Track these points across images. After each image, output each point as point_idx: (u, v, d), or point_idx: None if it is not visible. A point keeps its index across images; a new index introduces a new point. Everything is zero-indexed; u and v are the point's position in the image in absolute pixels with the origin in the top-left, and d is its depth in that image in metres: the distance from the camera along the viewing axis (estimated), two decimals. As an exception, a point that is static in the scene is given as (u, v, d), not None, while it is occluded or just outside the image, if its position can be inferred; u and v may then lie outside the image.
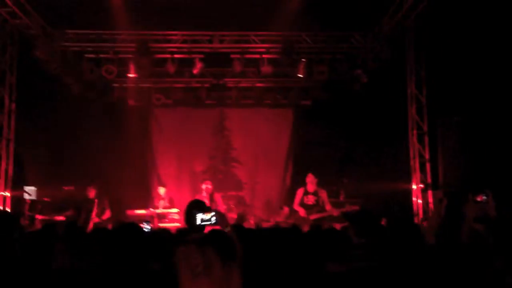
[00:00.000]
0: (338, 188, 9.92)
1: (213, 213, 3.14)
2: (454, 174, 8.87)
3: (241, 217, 9.14)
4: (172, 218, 9.30)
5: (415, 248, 2.12)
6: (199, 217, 3.14)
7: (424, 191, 9.42)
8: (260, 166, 11.73)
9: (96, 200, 8.81)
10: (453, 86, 8.53)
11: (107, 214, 8.89)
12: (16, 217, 3.24)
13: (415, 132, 9.60)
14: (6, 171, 9.23)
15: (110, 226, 8.30)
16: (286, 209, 9.66)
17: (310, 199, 8.19)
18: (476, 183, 8.05)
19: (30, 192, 9.13)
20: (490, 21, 7.31)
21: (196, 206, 3.91)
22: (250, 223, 9.54)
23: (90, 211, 8.69)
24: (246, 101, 11.67)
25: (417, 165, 9.53)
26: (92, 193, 8.88)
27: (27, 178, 9.47)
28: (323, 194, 8.24)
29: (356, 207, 8.43)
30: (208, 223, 3.12)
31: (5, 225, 2.89)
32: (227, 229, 3.10)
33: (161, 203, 9.52)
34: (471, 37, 7.84)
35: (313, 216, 8.04)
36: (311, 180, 8.31)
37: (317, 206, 8.15)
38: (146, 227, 5.09)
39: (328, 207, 8.17)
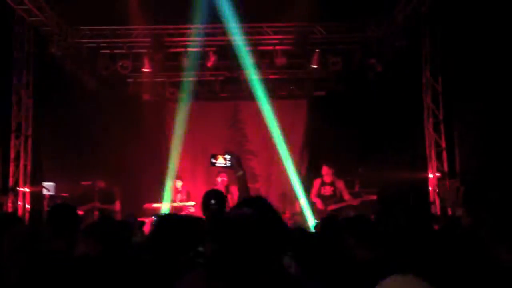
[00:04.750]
0: (353, 178, 9.86)
1: (228, 156, 3.17)
2: (471, 162, 8.77)
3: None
4: (189, 212, 9.35)
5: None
6: (213, 160, 3.17)
7: (441, 180, 9.35)
8: (274, 158, 11.71)
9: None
10: (469, 74, 8.41)
11: (117, 205, 9.04)
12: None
13: (431, 120, 9.51)
14: (25, 167, 9.41)
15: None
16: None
17: (328, 190, 8.13)
18: (494, 171, 7.97)
19: (48, 187, 9.25)
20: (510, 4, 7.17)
21: (213, 195, 3.94)
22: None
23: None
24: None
25: (433, 154, 9.45)
26: (101, 183, 9.04)
27: (46, 173, 9.61)
28: (340, 184, 8.17)
29: (373, 197, 8.39)
30: (223, 165, 3.16)
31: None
32: (240, 173, 3.10)
33: (178, 196, 9.58)
34: (488, 22, 7.70)
35: (331, 207, 8.00)
36: (326, 172, 8.25)
37: (335, 197, 8.09)
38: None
39: (346, 196, 8.10)
